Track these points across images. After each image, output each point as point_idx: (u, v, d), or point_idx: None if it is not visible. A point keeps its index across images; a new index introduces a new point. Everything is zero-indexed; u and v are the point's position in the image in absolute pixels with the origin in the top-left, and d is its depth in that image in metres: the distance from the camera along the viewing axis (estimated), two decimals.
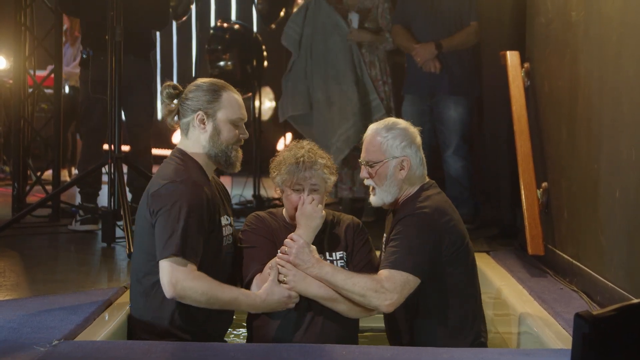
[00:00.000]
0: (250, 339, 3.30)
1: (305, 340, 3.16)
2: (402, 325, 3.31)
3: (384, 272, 3.12)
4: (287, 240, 3.17)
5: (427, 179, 3.37)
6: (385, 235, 3.41)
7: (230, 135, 3.16)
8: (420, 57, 5.92)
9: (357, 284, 3.11)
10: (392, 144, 3.27)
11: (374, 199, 3.34)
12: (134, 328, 3.15)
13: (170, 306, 3.02)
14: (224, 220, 3.18)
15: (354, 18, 6.28)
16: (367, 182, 3.34)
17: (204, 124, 3.13)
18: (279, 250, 3.19)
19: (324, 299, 3.17)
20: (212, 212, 3.08)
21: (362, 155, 3.34)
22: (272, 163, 3.32)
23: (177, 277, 2.90)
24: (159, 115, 12.32)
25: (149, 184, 3.14)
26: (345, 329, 3.24)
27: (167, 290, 2.92)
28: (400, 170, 3.26)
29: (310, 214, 3.20)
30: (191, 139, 3.16)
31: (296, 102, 6.47)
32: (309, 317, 3.21)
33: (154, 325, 3.05)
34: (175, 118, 3.20)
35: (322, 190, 3.28)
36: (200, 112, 3.12)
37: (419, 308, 3.25)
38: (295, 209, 3.24)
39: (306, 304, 3.20)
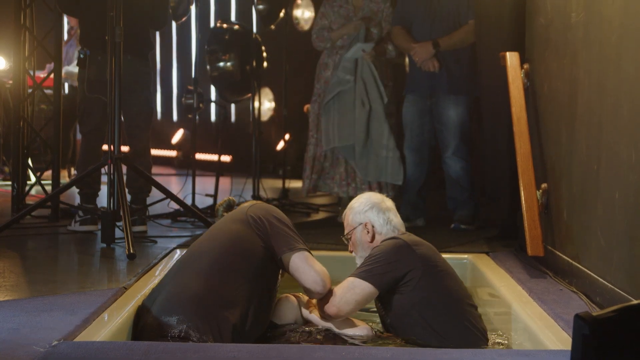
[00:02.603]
0: None
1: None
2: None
3: None
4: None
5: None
6: None
7: None
8: (419, 56, 5.93)
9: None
10: (355, 212, 3.51)
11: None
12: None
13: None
14: None
15: (361, 34, 6.23)
16: (353, 254, 3.57)
17: None
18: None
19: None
20: None
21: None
22: None
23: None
24: (159, 116, 12.35)
25: (249, 208, 3.38)
26: None
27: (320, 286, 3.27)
28: (367, 234, 3.47)
29: None
30: None
31: (342, 133, 6.21)
32: None
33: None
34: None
35: None
36: None
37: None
38: None
39: None
